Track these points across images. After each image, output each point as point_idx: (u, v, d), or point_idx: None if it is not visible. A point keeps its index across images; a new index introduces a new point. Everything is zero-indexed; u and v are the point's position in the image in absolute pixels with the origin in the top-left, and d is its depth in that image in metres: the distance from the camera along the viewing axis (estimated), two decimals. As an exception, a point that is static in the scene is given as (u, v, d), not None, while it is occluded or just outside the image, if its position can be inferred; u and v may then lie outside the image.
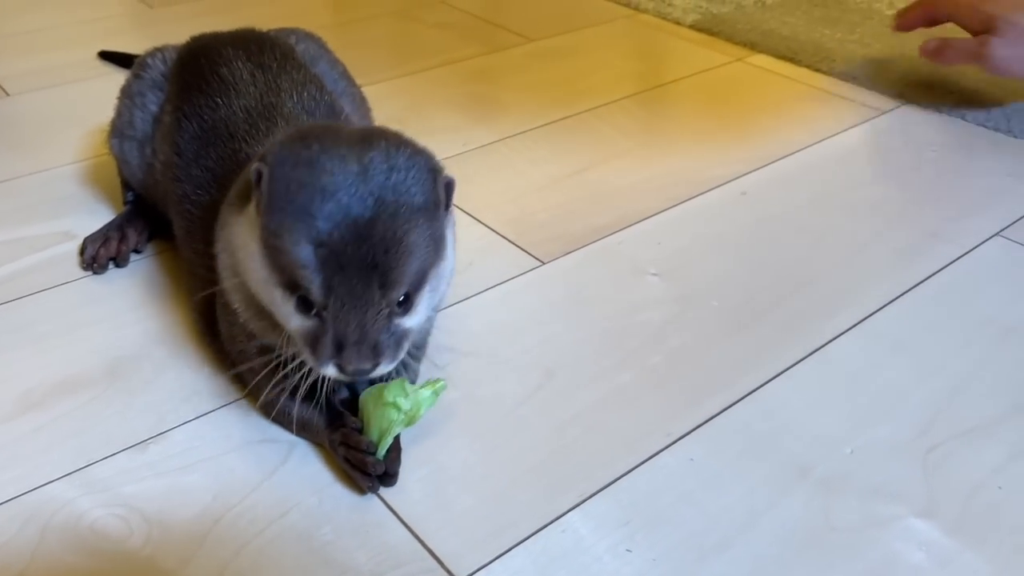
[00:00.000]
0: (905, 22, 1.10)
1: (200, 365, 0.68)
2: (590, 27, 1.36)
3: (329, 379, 0.54)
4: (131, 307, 0.74)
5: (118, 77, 0.85)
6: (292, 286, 0.51)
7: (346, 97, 0.79)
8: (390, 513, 0.56)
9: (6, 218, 0.87)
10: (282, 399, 0.58)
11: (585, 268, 0.80)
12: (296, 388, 0.56)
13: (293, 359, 0.55)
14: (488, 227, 0.85)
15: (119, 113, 0.79)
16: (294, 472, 0.59)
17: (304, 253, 0.50)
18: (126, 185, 0.84)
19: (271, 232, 0.51)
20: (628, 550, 0.54)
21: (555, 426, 0.63)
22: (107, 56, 1.22)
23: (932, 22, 1.07)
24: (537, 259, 0.81)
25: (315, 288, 0.50)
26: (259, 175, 0.52)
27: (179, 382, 0.66)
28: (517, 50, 1.27)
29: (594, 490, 0.58)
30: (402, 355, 0.54)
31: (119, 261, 0.79)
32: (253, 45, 0.73)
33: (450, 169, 0.85)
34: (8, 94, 1.13)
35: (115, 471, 0.59)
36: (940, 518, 0.56)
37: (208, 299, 0.63)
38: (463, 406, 0.64)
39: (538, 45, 1.29)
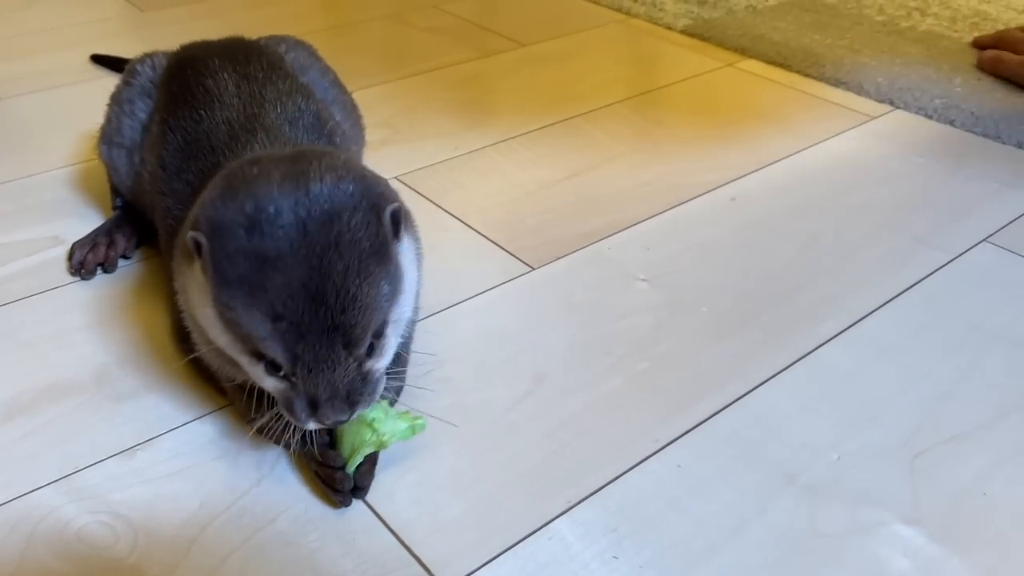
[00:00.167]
0: (980, 42, 1.28)
1: (187, 372, 0.67)
2: (581, 32, 1.36)
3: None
4: (119, 313, 0.74)
5: (109, 81, 0.85)
6: (257, 354, 0.51)
7: (337, 105, 0.79)
8: (377, 520, 0.56)
9: (-6, 223, 0.87)
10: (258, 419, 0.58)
11: (575, 273, 0.80)
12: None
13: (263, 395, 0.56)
14: (478, 232, 0.85)
15: (108, 120, 0.79)
16: (281, 479, 0.59)
17: (263, 328, 0.49)
18: (115, 191, 0.84)
19: (225, 306, 0.50)
20: (615, 557, 0.54)
21: (544, 432, 0.63)
22: (99, 60, 1.22)
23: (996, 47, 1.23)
24: (527, 264, 0.81)
25: (280, 358, 0.50)
26: (197, 244, 0.51)
27: (166, 389, 0.66)
28: (509, 55, 1.28)
29: (581, 496, 0.58)
30: (379, 393, 0.54)
31: (107, 267, 0.79)
32: (240, 55, 0.73)
33: (440, 174, 0.85)
34: (-2, 98, 1.13)
35: (102, 478, 0.59)
36: (925, 524, 0.56)
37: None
38: (451, 412, 0.64)
39: (530, 50, 1.29)
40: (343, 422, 0.53)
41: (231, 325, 0.51)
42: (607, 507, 0.57)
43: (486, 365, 0.69)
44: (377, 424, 0.56)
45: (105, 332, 0.72)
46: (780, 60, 1.23)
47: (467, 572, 0.53)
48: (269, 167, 0.53)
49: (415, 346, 0.67)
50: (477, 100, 1.14)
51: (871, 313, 0.75)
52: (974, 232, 0.86)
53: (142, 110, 0.76)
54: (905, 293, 0.77)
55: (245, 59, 0.72)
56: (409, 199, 0.90)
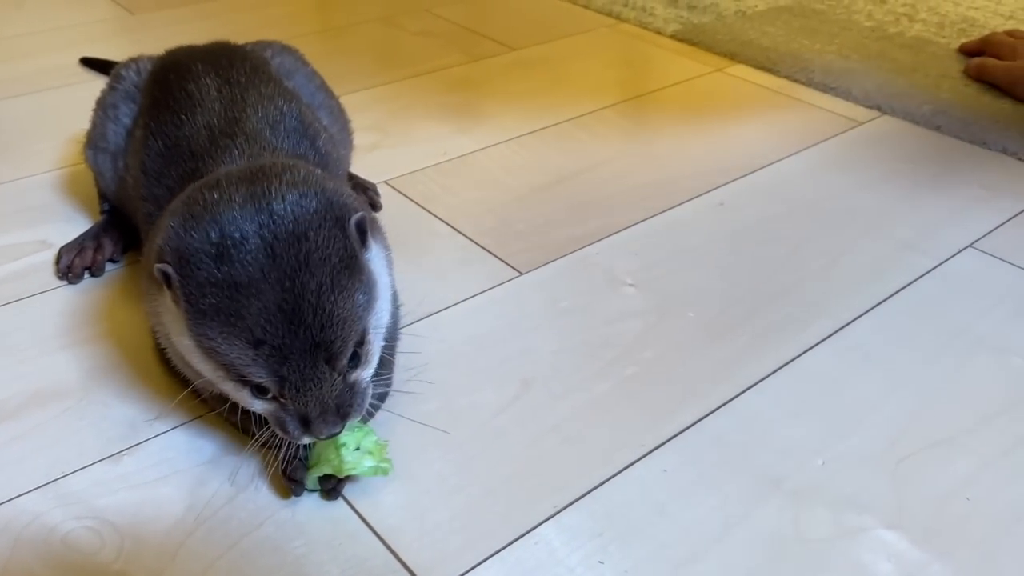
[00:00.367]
0: (967, 48, 1.29)
1: (174, 376, 0.67)
2: (572, 36, 1.36)
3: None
4: (106, 317, 0.74)
5: (99, 84, 0.85)
6: (242, 380, 0.52)
7: (324, 109, 0.79)
8: (363, 525, 0.56)
9: (-18, 226, 0.86)
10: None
11: (563, 278, 0.80)
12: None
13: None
14: (466, 237, 0.86)
15: (94, 125, 0.79)
16: (268, 484, 0.59)
17: (245, 355, 0.50)
18: (102, 195, 0.83)
19: (205, 336, 0.50)
20: (600, 562, 0.54)
21: (530, 437, 0.63)
22: (89, 63, 1.22)
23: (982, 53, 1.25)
24: (515, 269, 0.81)
25: (266, 383, 0.51)
26: (166, 276, 0.51)
27: (153, 393, 0.66)
28: (499, 59, 1.28)
29: (568, 501, 0.58)
30: (367, 402, 0.54)
31: (94, 271, 0.79)
32: (224, 60, 0.73)
33: (430, 178, 0.85)
34: (-14, 100, 1.13)
35: (88, 483, 0.59)
36: (909, 529, 0.56)
37: None
38: (438, 417, 0.64)
39: (520, 54, 1.30)
40: (337, 434, 0.53)
41: (211, 354, 0.51)
42: (593, 512, 0.57)
43: (474, 370, 0.69)
44: (344, 451, 0.56)
45: (92, 336, 0.72)
46: (769, 65, 1.24)
47: (453, 577, 0.53)
48: (229, 190, 0.53)
49: (402, 350, 0.67)
50: (467, 104, 1.14)
51: (857, 318, 0.75)
52: (960, 238, 0.86)
53: (126, 115, 0.76)
54: (891, 299, 0.78)
55: (228, 64, 0.72)
56: (398, 203, 0.91)
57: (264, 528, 0.56)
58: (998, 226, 0.88)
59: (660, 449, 0.62)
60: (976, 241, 0.86)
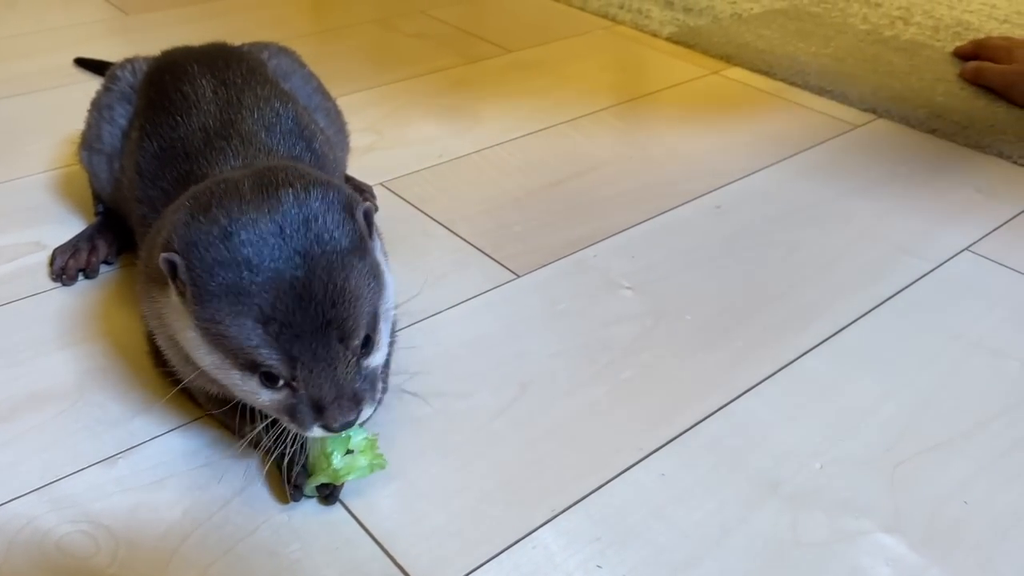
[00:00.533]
0: (962, 51, 1.29)
1: (169, 381, 0.67)
2: (568, 39, 1.36)
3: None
4: (100, 319, 0.74)
5: (93, 85, 0.85)
6: (250, 366, 0.51)
7: (320, 111, 0.79)
8: (360, 529, 0.56)
9: (-25, 228, 0.86)
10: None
11: (559, 281, 0.80)
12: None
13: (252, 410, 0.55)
14: (463, 239, 0.85)
15: (89, 126, 0.79)
16: (263, 488, 0.59)
17: (255, 334, 0.49)
18: (97, 196, 0.83)
19: (210, 321, 0.49)
20: (599, 566, 0.54)
21: (528, 441, 0.63)
22: (83, 63, 1.21)
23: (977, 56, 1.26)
24: (512, 272, 0.81)
25: (277, 364, 0.50)
26: (172, 265, 0.50)
27: (148, 396, 0.66)
28: (495, 61, 1.28)
29: (565, 505, 0.58)
30: (379, 392, 0.54)
31: (89, 272, 0.78)
32: (220, 61, 0.72)
33: (426, 180, 0.85)
34: (-21, 101, 1.12)
35: (83, 487, 0.58)
36: (907, 533, 0.56)
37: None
38: (435, 420, 0.64)
39: (516, 56, 1.29)
40: (351, 424, 0.52)
41: (218, 341, 0.50)
42: (591, 516, 0.57)
43: (470, 373, 0.69)
44: (334, 458, 0.55)
45: (87, 339, 0.72)
46: (765, 68, 1.24)
47: (450, 582, 0.53)
48: (236, 183, 0.53)
49: (398, 352, 0.67)
50: (463, 106, 1.14)
51: (853, 322, 0.75)
52: (956, 241, 0.86)
53: (122, 116, 0.75)
54: (887, 302, 0.78)
55: (225, 65, 0.72)
56: (394, 205, 0.91)
57: (260, 532, 0.56)
58: (994, 229, 0.88)
59: (658, 453, 0.62)
60: (972, 244, 0.86)
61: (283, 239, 0.49)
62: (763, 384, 0.68)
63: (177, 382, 0.62)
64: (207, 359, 0.52)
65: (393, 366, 0.65)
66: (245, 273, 0.49)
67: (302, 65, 0.82)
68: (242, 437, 0.61)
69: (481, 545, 0.55)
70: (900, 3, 1.50)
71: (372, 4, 1.49)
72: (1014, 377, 0.70)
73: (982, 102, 1.14)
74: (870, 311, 0.76)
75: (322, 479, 0.56)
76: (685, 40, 1.34)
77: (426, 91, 1.18)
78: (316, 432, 0.52)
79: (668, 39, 1.35)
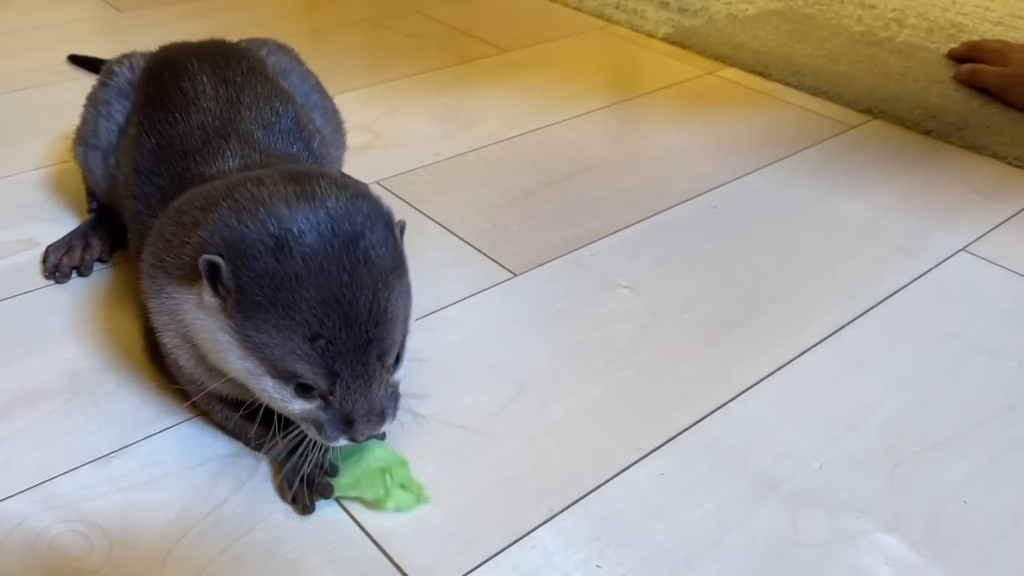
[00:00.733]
0: (955, 53, 1.30)
1: (164, 378, 0.66)
2: (563, 38, 1.36)
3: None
4: (94, 317, 0.73)
5: (86, 82, 0.84)
6: (288, 377, 0.51)
7: (318, 109, 0.78)
8: (358, 529, 0.55)
9: (-33, 225, 0.85)
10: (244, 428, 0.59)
11: (557, 280, 0.80)
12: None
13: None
14: (460, 238, 0.85)
15: (84, 121, 0.78)
16: (260, 487, 0.58)
17: (301, 349, 0.49)
18: (90, 194, 0.82)
19: (255, 329, 0.49)
20: (598, 566, 0.54)
21: (526, 440, 0.62)
22: (76, 60, 1.20)
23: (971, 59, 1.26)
24: (509, 271, 0.80)
25: (319, 379, 0.50)
26: (214, 268, 0.49)
27: (143, 394, 0.65)
28: (490, 60, 1.27)
29: (564, 505, 0.57)
30: (398, 407, 0.54)
31: (82, 270, 0.78)
32: (220, 58, 0.72)
33: (422, 179, 0.85)
34: (-29, 98, 1.11)
35: (76, 486, 0.58)
36: (906, 533, 0.56)
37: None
38: (432, 419, 0.63)
39: (511, 56, 1.29)
40: (373, 437, 0.53)
41: (257, 349, 0.50)
42: (590, 515, 0.57)
43: (468, 372, 0.68)
44: (390, 483, 0.55)
45: (80, 336, 0.71)
46: (760, 69, 1.24)
47: (449, 582, 0.52)
48: (276, 187, 0.52)
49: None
50: (459, 105, 1.14)
51: (851, 322, 0.75)
52: (952, 242, 0.86)
53: (119, 112, 0.75)
54: (885, 302, 0.78)
55: (225, 62, 0.71)
56: (391, 204, 0.89)
57: (256, 532, 0.55)
58: (990, 230, 0.88)
59: (657, 452, 0.62)
60: (969, 245, 0.86)
61: (333, 255, 0.49)
62: (762, 383, 0.68)
63: (174, 380, 0.61)
64: (237, 364, 0.51)
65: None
66: (295, 288, 0.48)
67: (300, 63, 0.81)
68: (238, 438, 0.61)
69: (479, 545, 0.55)
70: (894, 5, 1.51)
71: (366, 3, 1.49)
72: (1012, 377, 0.70)
73: (977, 103, 1.15)
74: (868, 311, 0.76)
75: (367, 496, 0.56)
76: (680, 41, 1.34)
77: (422, 90, 1.17)
78: (341, 443, 0.53)
79: (663, 39, 1.35)
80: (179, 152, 0.64)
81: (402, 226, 0.54)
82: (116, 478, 0.58)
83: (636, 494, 0.58)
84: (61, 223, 0.85)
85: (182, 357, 0.56)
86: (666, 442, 0.63)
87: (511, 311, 0.76)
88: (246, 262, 0.49)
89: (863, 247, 0.85)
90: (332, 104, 0.83)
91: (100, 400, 0.65)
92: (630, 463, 0.61)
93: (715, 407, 0.66)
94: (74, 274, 0.78)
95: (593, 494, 0.58)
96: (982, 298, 0.79)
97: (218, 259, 0.49)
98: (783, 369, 0.70)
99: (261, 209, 0.50)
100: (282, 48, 0.81)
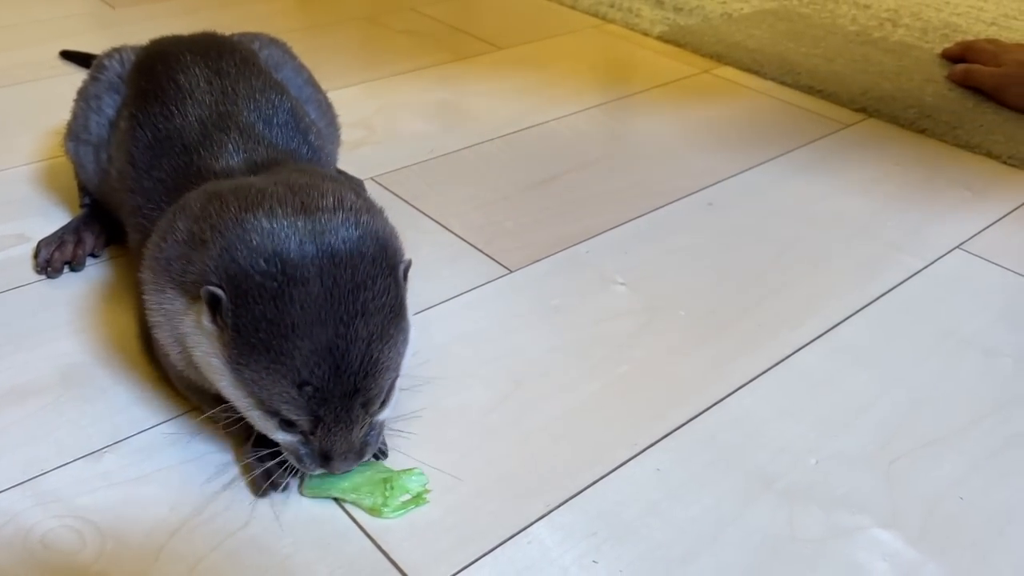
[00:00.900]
0: (949, 53, 1.30)
1: (156, 373, 0.66)
2: (558, 36, 1.36)
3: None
4: (86, 312, 0.73)
5: (78, 77, 0.83)
6: (272, 412, 0.51)
7: (311, 103, 0.78)
8: (352, 524, 0.55)
9: (-43, 220, 0.84)
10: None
11: (553, 277, 0.79)
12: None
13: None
14: (455, 234, 0.85)
15: (75, 115, 0.77)
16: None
17: (288, 394, 0.49)
18: (82, 188, 0.82)
19: (247, 366, 0.49)
20: (594, 561, 0.53)
21: (522, 436, 0.62)
22: (68, 56, 1.19)
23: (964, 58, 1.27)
24: (505, 267, 0.80)
25: (301, 421, 0.50)
26: (215, 300, 0.49)
27: (135, 389, 0.65)
28: (485, 58, 1.27)
29: (560, 500, 0.57)
30: (380, 442, 0.55)
31: (74, 265, 0.77)
32: (213, 51, 0.71)
33: (417, 176, 0.84)
34: (-38, 92, 1.10)
35: (68, 481, 0.57)
36: (903, 528, 0.56)
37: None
38: (428, 416, 0.63)
39: (506, 53, 1.29)
40: (350, 470, 0.54)
41: (247, 384, 0.50)
42: (586, 511, 0.57)
43: (464, 368, 0.68)
44: (388, 495, 0.55)
45: (72, 332, 0.70)
46: (755, 67, 1.24)
47: (445, 577, 0.52)
48: (284, 219, 0.51)
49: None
50: (454, 102, 1.13)
51: (847, 319, 0.75)
52: (947, 239, 0.86)
53: (110, 106, 0.74)
54: (880, 299, 0.78)
55: (217, 55, 0.70)
56: (385, 200, 0.90)
57: (249, 527, 0.55)
58: (984, 228, 0.88)
59: (653, 448, 0.61)
60: (964, 242, 0.86)
61: (331, 304, 0.49)
62: (758, 380, 0.68)
63: (165, 373, 0.61)
64: (227, 389, 0.52)
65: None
66: (291, 336, 0.48)
67: (293, 56, 0.81)
68: (236, 436, 0.60)
69: (476, 540, 0.54)
70: (889, 5, 1.51)
71: (360, 0, 1.49)
72: (1007, 374, 0.70)
73: (971, 103, 1.15)
74: (863, 308, 0.76)
75: (363, 502, 0.55)
76: (675, 39, 1.34)
77: (417, 87, 1.17)
78: (318, 472, 0.54)
79: (658, 38, 1.35)
80: (179, 145, 0.64)
81: (407, 266, 0.54)
82: (109, 473, 0.58)
83: (633, 490, 0.58)
84: (53, 218, 0.84)
85: (172, 354, 0.56)
86: (662, 438, 0.62)
87: (507, 307, 0.75)
88: (246, 304, 0.49)
89: (858, 245, 0.86)
90: (326, 98, 0.83)
91: (92, 395, 0.64)
92: (626, 459, 0.60)
93: (711, 403, 0.66)
94: (66, 269, 0.77)
95: (589, 490, 0.58)
96: (977, 295, 0.79)
97: (220, 293, 0.49)
98: (779, 366, 0.69)
99: (269, 247, 0.50)
100: (274, 42, 0.81)
